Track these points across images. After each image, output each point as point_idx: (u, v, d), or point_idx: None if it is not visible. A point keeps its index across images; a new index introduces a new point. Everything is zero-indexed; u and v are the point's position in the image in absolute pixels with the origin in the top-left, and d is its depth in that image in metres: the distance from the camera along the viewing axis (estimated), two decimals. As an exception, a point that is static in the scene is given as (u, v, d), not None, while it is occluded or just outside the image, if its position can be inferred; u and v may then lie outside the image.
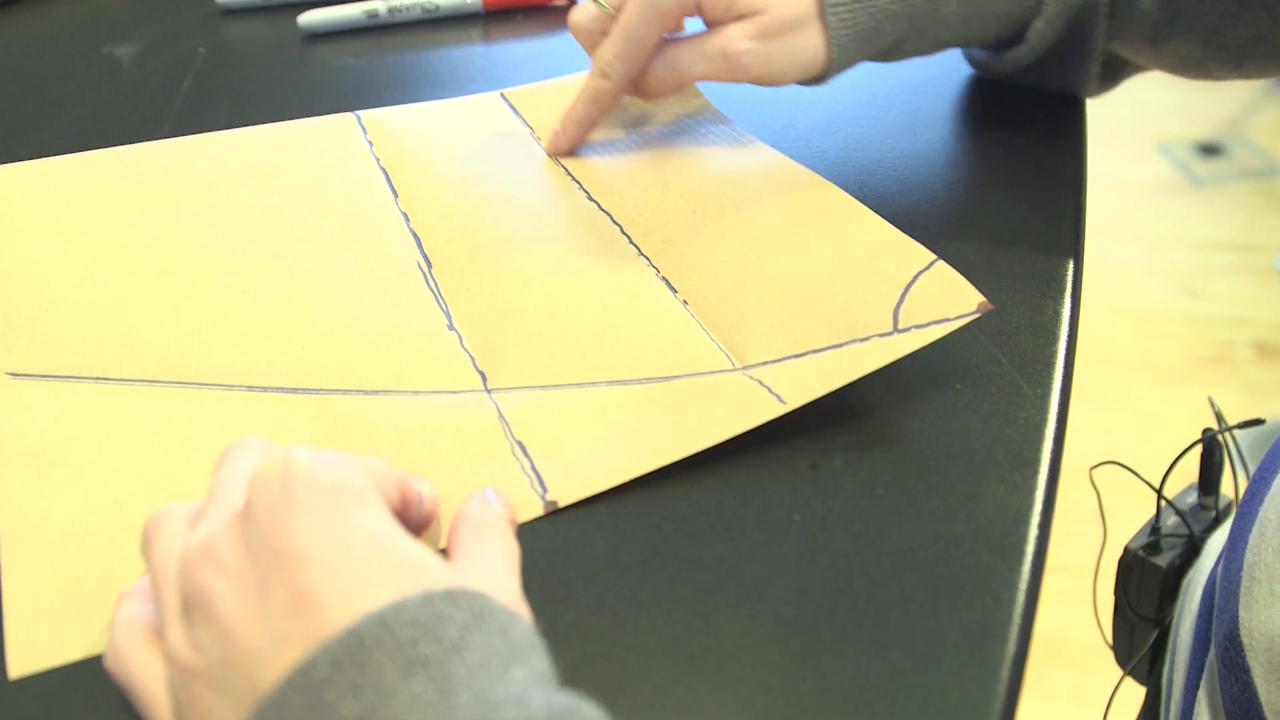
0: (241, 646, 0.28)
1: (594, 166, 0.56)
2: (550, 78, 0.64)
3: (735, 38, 0.52)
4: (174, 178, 0.56)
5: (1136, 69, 0.60)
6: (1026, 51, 0.58)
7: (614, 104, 0.56)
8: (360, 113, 0.61)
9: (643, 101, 0.61)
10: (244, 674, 0.28)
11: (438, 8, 0.72)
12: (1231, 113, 2.52)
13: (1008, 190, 0.53)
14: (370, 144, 0.59)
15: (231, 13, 0.75)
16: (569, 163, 0.57)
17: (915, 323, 0.42)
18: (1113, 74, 0.61)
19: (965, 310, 0.42)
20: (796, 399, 0.40)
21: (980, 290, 0.42)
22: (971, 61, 0.63)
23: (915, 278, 0.43)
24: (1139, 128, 2.46)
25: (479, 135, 0.60)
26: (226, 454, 0.34)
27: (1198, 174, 2.34)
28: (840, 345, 0.42)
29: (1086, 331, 1.93)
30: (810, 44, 0.53)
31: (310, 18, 0.71)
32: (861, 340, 0.42)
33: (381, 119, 0.61)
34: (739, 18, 0.52)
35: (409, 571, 0.29)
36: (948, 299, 0.42)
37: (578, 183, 0.55)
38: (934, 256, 0.44)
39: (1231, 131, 2.46)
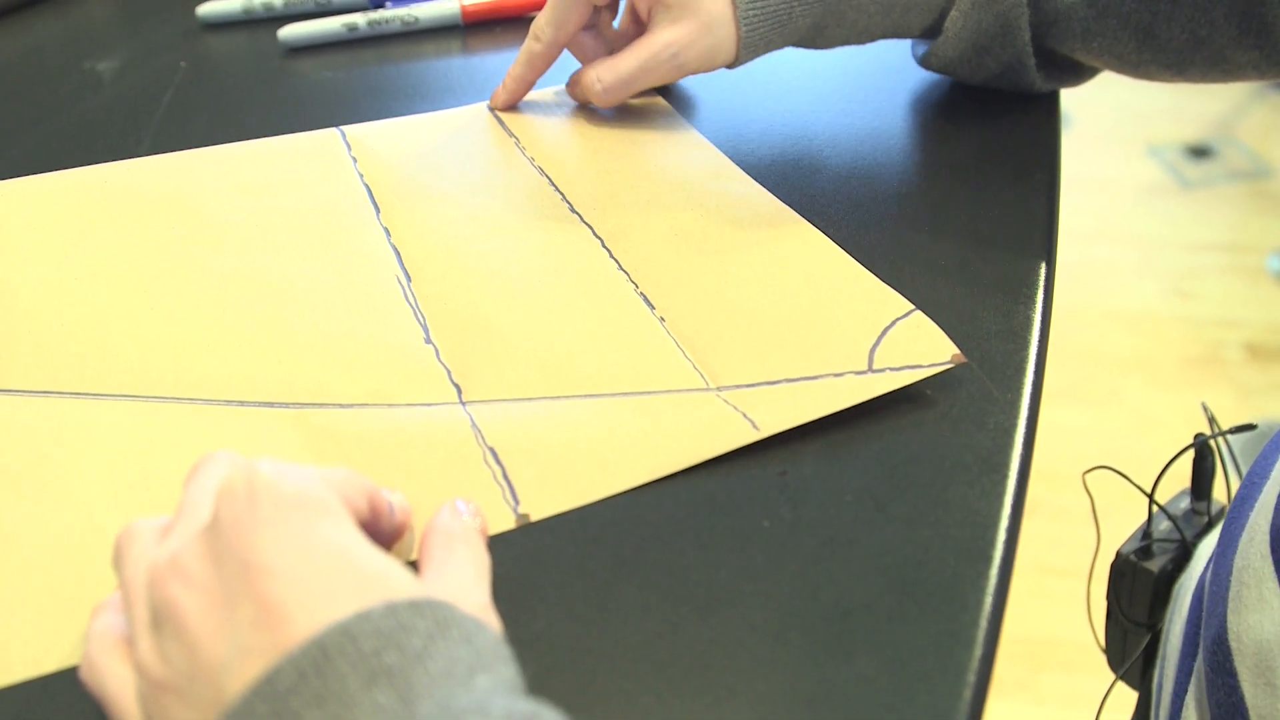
0: (208, 658, 0.28)
1: (580, 182, 0.56)
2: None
3: (667, 43, 0.57)
4: (157, 194, 0.56)
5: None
6: (945, 43, 0.59)
7: (545, 66, 0.61)
8: (345, 128, 0.62)
9: (633, 124, 0.62)
10: (211, 686, 0.28)
11: (417, 20, 0.72)
12: (1221, 114, 2.53)
13: (980, 193, 0.53)
14: (354, 159, 0.59)
15: (212, 27, 0.75)
16: (556, 177, 0.57)
17: (889, 365, 0.43)
18: (1074, 70, 0.62)
19: (939, 359, 0.43)
20: (770, 426, 0.41)
21: (951, 295, 0.43)
22: (920, 61, 0.63)
23: (892, 323, 0.45)
24: (1128, 130, 2.47)
25: (464, 148, 0.60)
26: (196, 468, 0.35)
27: (1188, 176, 2.35)
28: (814, 378, 0.43)
29: (1077, 334, 1.94)
30: (724, 31, 0.56)
31: (290, 31, 0.71)
32: (836, 375, 0.43)
33: (366, 134, 0.61)
34: (664, 13, 0.56)
35: (373, 582, 0.29)
36: (922, 347, 0.44)
37: (561, 194, 0.55)
38: (911, 306, 0.46)
39: (1221, 133, 2.47)
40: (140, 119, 0.64)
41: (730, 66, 0.58)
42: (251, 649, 0.28)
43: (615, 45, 0.62)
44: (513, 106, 0.63)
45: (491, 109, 0.63)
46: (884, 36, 0.60)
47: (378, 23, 0.72)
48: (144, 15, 0.78)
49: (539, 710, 0.26)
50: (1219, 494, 0.60)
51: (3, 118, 0.66)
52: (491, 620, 0.33)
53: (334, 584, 0.29)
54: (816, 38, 0.59)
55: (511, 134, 0.61)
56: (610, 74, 0.58)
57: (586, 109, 0.63)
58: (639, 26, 0.61)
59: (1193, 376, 1.87)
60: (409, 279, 0.50)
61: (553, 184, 0.56)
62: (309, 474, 0.32)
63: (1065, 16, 0.56)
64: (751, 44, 0.57)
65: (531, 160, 0.59)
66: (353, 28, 0.72)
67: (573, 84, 0.63)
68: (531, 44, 0.60)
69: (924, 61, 0.63)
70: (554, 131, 0.61)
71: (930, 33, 0.61)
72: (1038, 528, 1.58)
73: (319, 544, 0.30)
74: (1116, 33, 0.56)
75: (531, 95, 0.64)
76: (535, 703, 0.27)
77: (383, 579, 0.30)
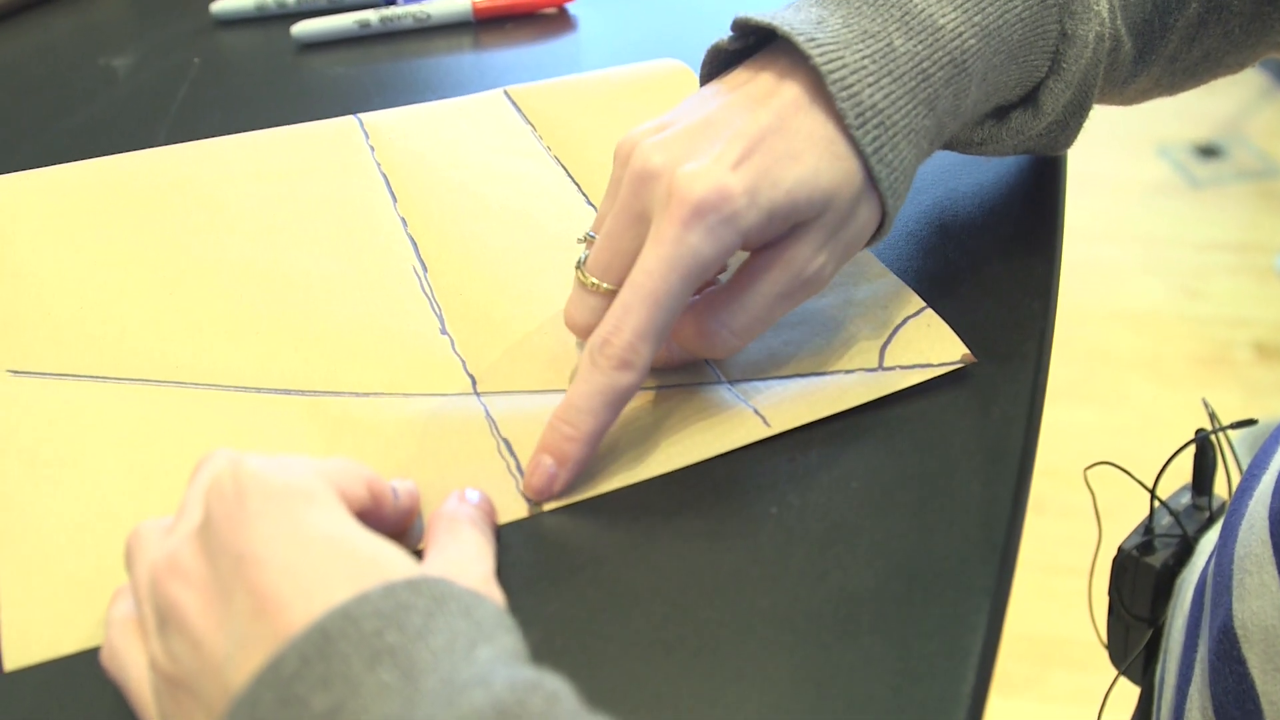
0: (211, 653, 0.29)
1: (597, 173, 0.56)
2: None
3: (809, 257, 0.40)
4: (175, 183, 0.57)
5: None
6: (1033, 117, 0.46)
7: (628, 402, 0.40)
8: (362, 115, 0.62)
9: (653, 113, 0.59)
10: (216, 680, 0.29)
11: (429, 16, 0.72)
12: (1230, 114, 2.52)
13: (988, 187, 0.54)
14: (372, 148, 0.59)
15: (225, 23, 0.76)
16: (572, 167, 0.57)
17: (900, 363, 0.43)
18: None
19: (949, 359, 0.43)
20: (780, 423, 0.41)
21: (960, 286, 0.43)
22: (970, 148, 0.49)
23: (904, 321, 0.45)
24: (1137, 130, 2.46)
25: (480, 136, 0.60)
26: (198, 467, 0.35)
27: (1197, 175, 2.35)
28: (825, 374, 0.43)
29: (1086, 332, 1.94)
30: (864, 209, 0.41)
31: (303, 28, 0.72)
32: (847, 372, 0.43)
33: (383, 122, 0.61)
34: (797, 225, 0.40)
35: (366, 565, 0.30)
36: (933, 346, 0.44)
37: (577, 185, 0.55)
38: (923, 304, 0.46)
39: (1230, 132, 2.47)
40: (155, 115, 0.65)
41: (872, 244, 0.44)
42: (250, 640, 0.28)
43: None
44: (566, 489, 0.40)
45: (536, 498, 0.39)
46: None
47: (390, 19, 0.72)
48: (158, 12, 0.79)
49: (541, 678, 0.27)
50: (1220, 489, 0.60)
51: (18, 114, 0.67)
52: (493, 593, 0.34)
53: (326, 570, 0.29)
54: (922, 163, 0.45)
55: (528, 122, 0.61)
56: (742, 314, 0.40)
57: (605, 93, 0.62)
58: None
59: (1201, 375, 1.87)
60: (425, 269, 0.51)
61: (569, 174, 0.56)
62: (298, 465, 0.33)
63: (1120, 65, 0.49)
64: (895, 207, 0.42)
65: (548, 150, 0.59)
66: (365, 24, 0.72)
67: (676, 339, 0.42)
68: (618, 375, 0.38)
69: (965, 142, 0.48)
70: (571, 119, 0.61)
71: (1002, 110, 0.48)
72: (1045, 526, 1.58)
73: (309, 531, 0.30)
74: (1149, 69, 0.51)
75: (550, 80, 0.64)
76: (538, 670, 0.27)
77: (376, 561, 0.30)
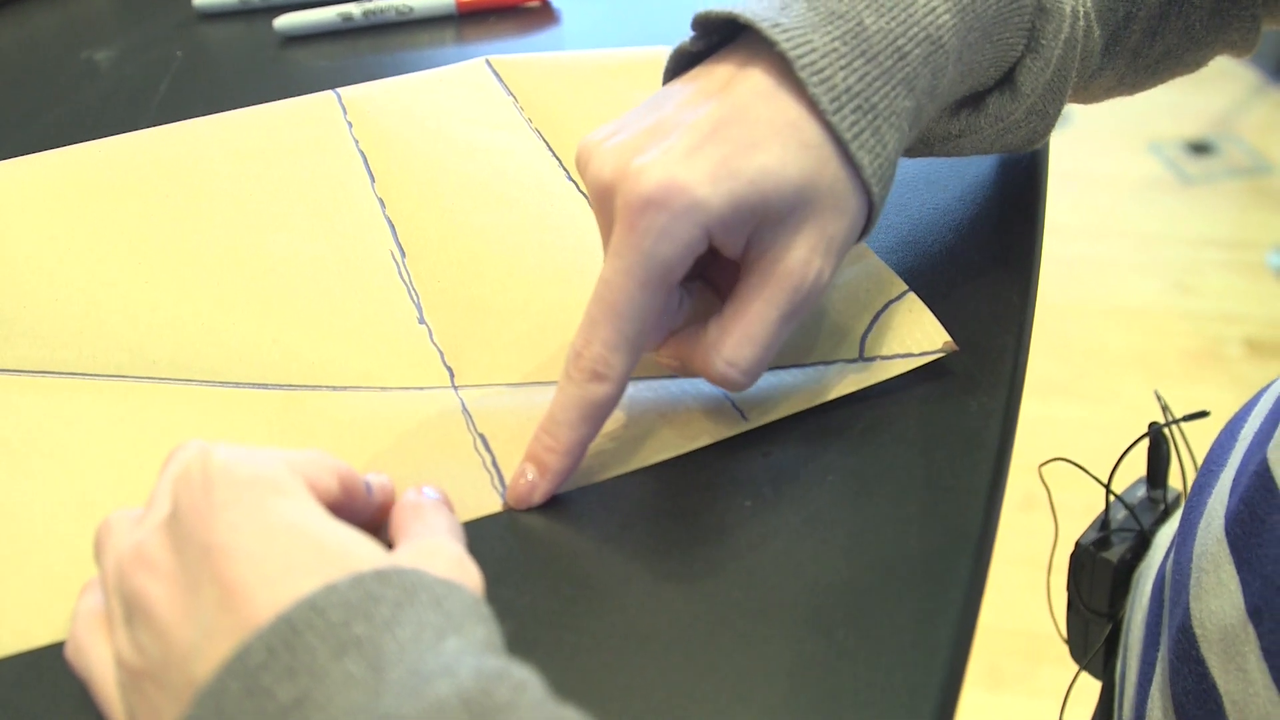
0: (177, 644, 0.29)
1: (576, 143, 0.56)
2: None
3: (803, 262, 0.37)
4: (150, 167, 0.56)
5: None
6: (1011, 100, 0.44)
7: (610, 413, 0.39)
8: (341, 90, 0.62)
9: (635, 85, 0.58)
10: (182, 670, 0.28)
11: (411, 10, 0.72)
12: (1221, 110, 2.52)
13: (968, 180, 0.54)
14: (350, 124, 0.59)
15: (208, 17, 0.76)
16: (553, 140, 0.56)
17: (880, 353, 0.43)
18: None
19: (930, 348, 0.43)
20: (759, 417, 0.41)
21: (939, 279, 0.43)
22: (943, 147, 0.47)
23: (885, 306, 0.44)
24: (1129, 126, 2.46)
25: (461, 107, 0.59)
26: (169, 458, 0.35)
27: (1188, 172, 2.35)
28: (805, 365, 0.43)
29: (1078, 329, 1.94)
30: (852, 202, 0.39)
31: (286, 21, 0.72)
32: (826, 364, 0.43)
33: (362, 95, 0.61)
34: (778, 230, 0.37)
35: (334, 556, 0.29)
36: (914, 334, 0.43)
37: (558, 159, 0.55)
38: (906, 287, 0.45)
39: (1221, 129, 2.47)
40: (137, 108, 0.65)
41: (861, 238, 0.42)
42: (216, 631, 0.28)
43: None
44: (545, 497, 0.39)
45: (515, 507, 0.39)
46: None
47: (373, 12, 0.72)
48: (141, 5, 0.79)
49: (508, 667, 0.27)
50: (1175, 482, 0.60)
51: (1, 108, 0.66)
52: (468, 572, 0.33)
53: (292, 560, 0.29)
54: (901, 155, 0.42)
55: (510, 93, 0.60)
56: (748, 346, 0.38)
57: (589, 69, 0.61)
58: None
59: (1193, 372, 1.87)
60: (403, 255, 0.50)
61: (549, 148, 0.56)
62: (266, 456, 0.32)
63: (1088, 54, 0.47)
64: (882, 195, 0.40)
65: (529, 122, 0.58)
66: (348, 17, 0.72)
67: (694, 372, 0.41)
68: (591, 387, 0.37)
69: (941, 138, 0.46)
70: (554, 91, 0.60)
71: (975, 97, 0.45)
72: (1037, 522, 1.58)
73: (276, 522, 0.30)
74: (1114, 63, 0.50)
75: (533, 54, 0.63)
76: (505, 660, 0.27)
77: (344, 551, 0.30)
